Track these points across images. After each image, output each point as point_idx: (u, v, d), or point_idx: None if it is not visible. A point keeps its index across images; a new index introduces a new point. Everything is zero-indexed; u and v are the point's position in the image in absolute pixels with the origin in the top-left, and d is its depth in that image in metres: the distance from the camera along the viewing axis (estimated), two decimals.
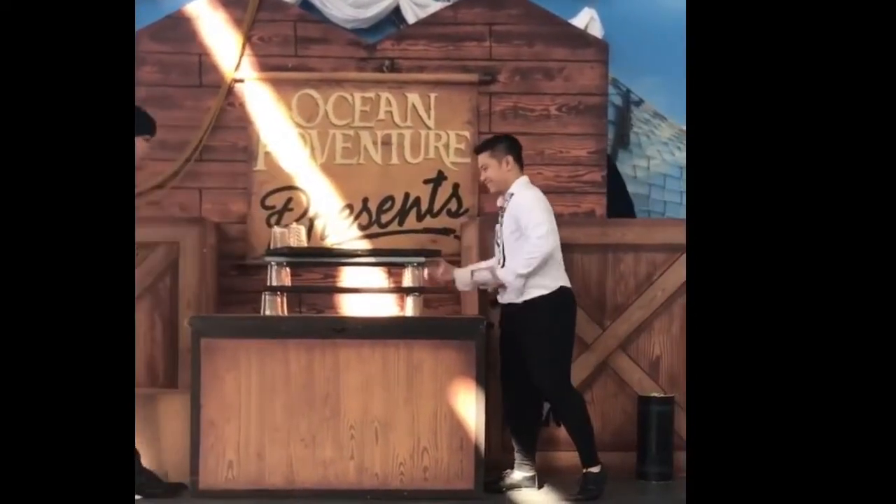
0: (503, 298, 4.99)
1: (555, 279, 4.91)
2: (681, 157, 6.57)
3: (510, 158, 5.03)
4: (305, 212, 6.06)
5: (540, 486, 5.09)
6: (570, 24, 6.43)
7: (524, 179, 5.04)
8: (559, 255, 4.95)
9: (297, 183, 6.11)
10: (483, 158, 5.07)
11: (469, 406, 4.89)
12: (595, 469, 4.92)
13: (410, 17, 6.58)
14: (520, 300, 4.89)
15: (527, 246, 4.84)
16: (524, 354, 4.90)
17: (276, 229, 5.19)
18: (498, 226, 5.03)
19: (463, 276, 5.07)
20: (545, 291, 4.87)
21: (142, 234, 5.09)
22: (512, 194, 4.97)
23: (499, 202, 5.06)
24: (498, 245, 5.03)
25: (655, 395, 5.39)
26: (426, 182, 6.17)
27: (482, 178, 5.13)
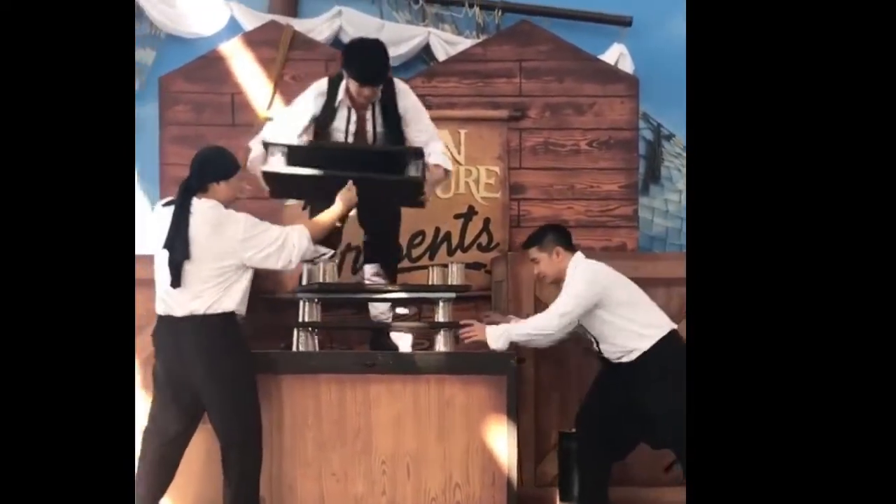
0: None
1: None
2: None
3: (560, 249, 5.04)
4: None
5: None
6: (599, 60, 6.45)
7: (579, 255, 5.06)
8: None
9: None
10: (533, 253, 5.08)
11: (501, 441, 4.87)
12: None
13: (441, 55, 6.64)
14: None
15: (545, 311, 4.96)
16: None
17: (308, 265, 5.19)
18: None
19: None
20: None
21: None
22: (569, 275, 5.01)
23: None
24: None
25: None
26: (457, 217, 6.18)
27: (535, 271, 5.14)
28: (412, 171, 4.99)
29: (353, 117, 5.11)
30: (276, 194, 5.31)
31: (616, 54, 6.67)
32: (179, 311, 4.54)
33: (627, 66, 6.62)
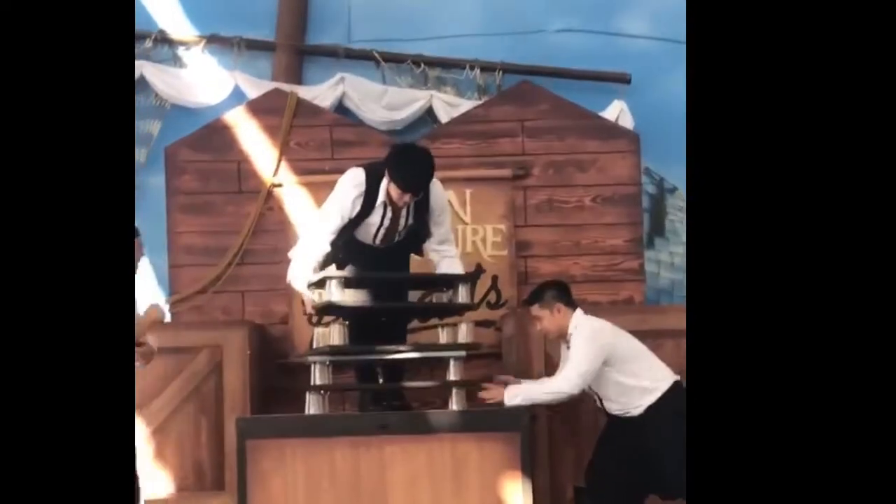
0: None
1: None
2: None
3: (560, 305, 5.06)
4: None
5: None
6: (600, 117, 6.52)
7: (579, 313, 5.08)
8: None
9: None
10: (534, 310, 5.11)
11: (516, 497, 4.84)
12: None
13: (443, 117, 6.72)
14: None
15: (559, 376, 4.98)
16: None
17: (318, 329, 5.21)
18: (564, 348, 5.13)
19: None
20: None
21: (185, 338, 5.22)
22: (572, 333, 5.03)
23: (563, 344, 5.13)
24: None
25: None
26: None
27: (537, 328, 5.18)
28: (463, 297, 5.09)
29: (389, 214, 5.11)
30: (327, 316, 5.26)
31: (616, 111, 6.75)
32: None
33: (628, 122, 6.69)
